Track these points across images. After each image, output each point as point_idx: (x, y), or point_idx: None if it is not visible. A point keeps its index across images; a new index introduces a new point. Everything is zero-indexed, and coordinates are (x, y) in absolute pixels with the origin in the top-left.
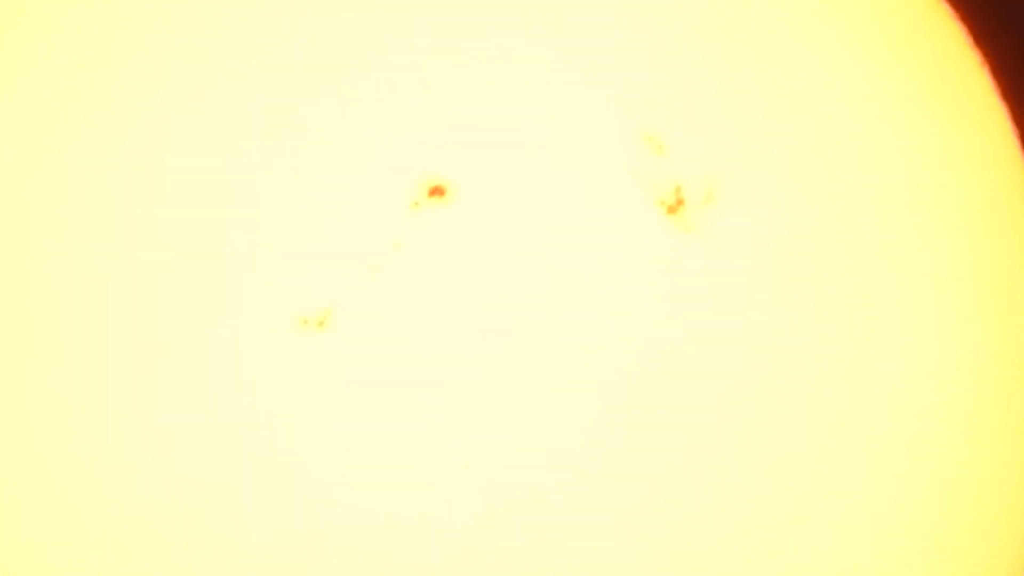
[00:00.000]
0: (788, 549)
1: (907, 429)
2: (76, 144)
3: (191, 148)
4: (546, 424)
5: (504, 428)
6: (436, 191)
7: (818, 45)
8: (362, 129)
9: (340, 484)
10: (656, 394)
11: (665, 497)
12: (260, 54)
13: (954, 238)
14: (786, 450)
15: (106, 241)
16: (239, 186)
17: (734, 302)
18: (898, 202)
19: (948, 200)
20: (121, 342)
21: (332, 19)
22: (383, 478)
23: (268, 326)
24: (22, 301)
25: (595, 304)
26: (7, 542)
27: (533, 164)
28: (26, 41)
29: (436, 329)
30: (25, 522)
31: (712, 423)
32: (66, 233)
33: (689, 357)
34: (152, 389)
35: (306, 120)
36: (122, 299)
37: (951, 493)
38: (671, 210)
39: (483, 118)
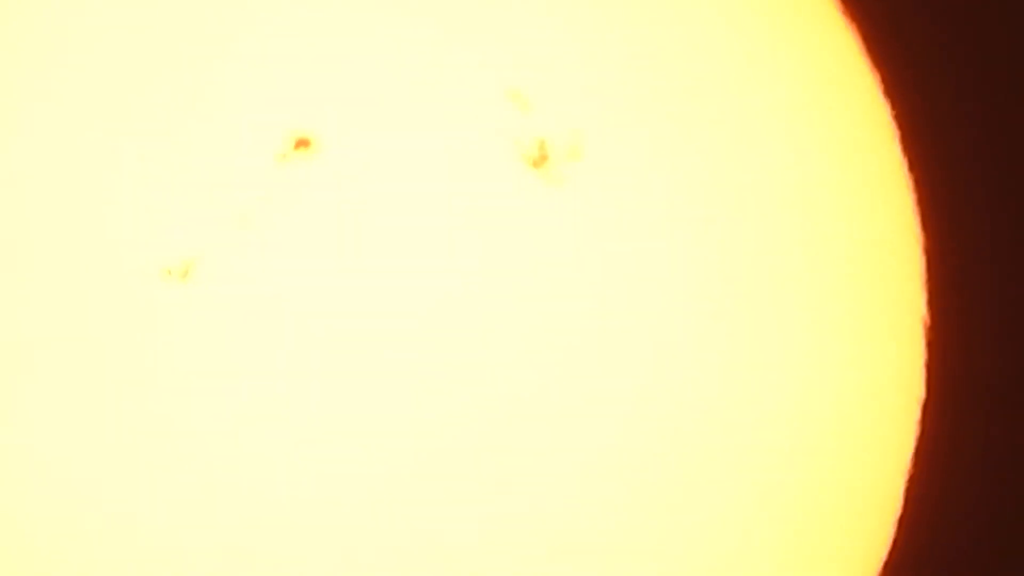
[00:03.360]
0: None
1: (766, 394)
2: None
3: (55, 98)
4: (409, 379)
5: (367, 383)
6: (302, 143)
7: (691, 5)
8: (228, 81)
9: (202, 438)
10: (521, 348)
11: (525, 465)
12: (126, 7)
13: (823, 205)
14: (644, 419)
15: None
16: (103, 137)
17: (598, 253)
18: (766, 169)
19: (819, 169)
20: None
21: None
22: (245, 432)
23: (131, 276)
24: None
25: (459, 256)
26: None
27: (399, 117)
28: None
29: (301, 281)
30: None
31: (566, 380)
32: None
33: (554, 308)
34: (10, 343)
35: (172, 72)
36: None
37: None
38: (536, 164)
39: (350, 71)
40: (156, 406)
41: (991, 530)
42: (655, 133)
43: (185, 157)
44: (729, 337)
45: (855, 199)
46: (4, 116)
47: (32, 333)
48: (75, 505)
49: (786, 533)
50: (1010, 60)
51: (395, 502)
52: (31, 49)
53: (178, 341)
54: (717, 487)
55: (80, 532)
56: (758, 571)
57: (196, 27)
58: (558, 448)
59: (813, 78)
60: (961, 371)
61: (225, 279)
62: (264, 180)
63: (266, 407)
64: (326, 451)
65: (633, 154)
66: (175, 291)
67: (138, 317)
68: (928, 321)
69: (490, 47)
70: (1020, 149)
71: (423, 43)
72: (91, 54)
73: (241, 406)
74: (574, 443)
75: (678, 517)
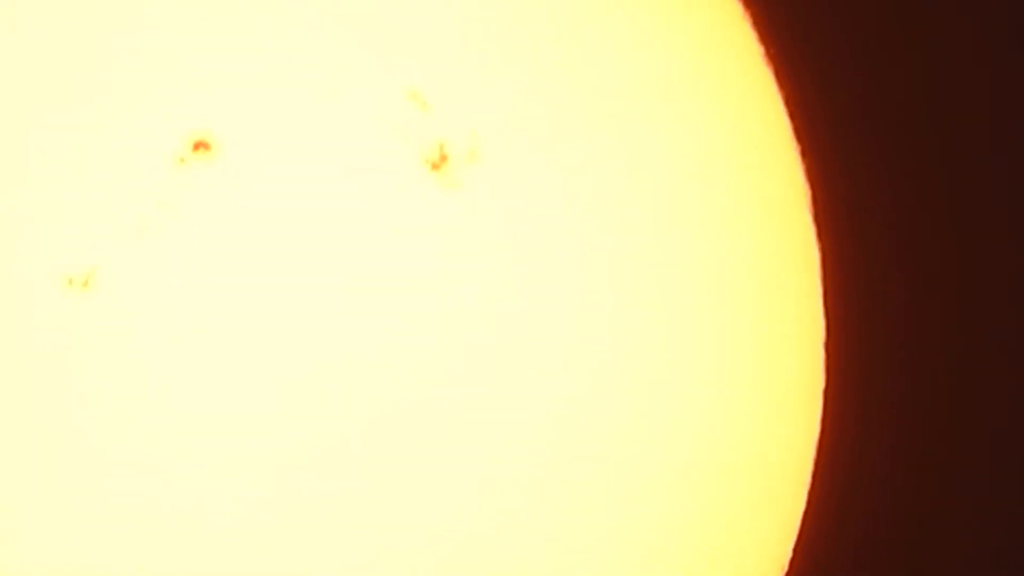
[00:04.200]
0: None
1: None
2: None
3: None
4: (310, 383)
5: (267, 387)
6: (201, 146)
7: (592, 8)
8: (124, 83)
9: (110, 448)
10: (420, 352)
11: (420, 468)
12: (20, 11)
13: (721, 205)
14: (541, 421)
15: None
16: None
17: (497, 256)
18: (664, 170)
19: (717, 170)
20: None
21: None
22: (150, 441)
23: (32, 285)
24: None
25: (360, 259)
26: None
27: (298, 119)
28: None
29: (203, 285)
30: None
31: (466, 382)
32: None
33: (453, 312)
34: None
35: (65, 75)
36: None
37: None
38: (435, 167)
39: (247, 72)
40: (59, 414)
41: (896, 522)
42: (555, 135)
43: (83, 162)
44: (627, 341)
45: (753, 201)
46: None
47: None
48: None
49: (694, 529)
50: (912, 65)
51: (290, 504)
52: None
53: (81, 349)
54: (624, 485)
55: None
56: (668, 566)
57: (90, 29)
58: (461, 453)
59: (711, 78)
60: (860, 371)
61: (127, 285)
62: (164, 184)
63: (167, 413)
64: (224, 457)
65: (533, 156)
66: (77, 299)
67: (41, 326)
68: (826, 321)
69: (390, 47)
70: (917, 151)
71: (323, 43)
72: None
73: (143, 413)
74: (478, 447)
75: (581, 517)
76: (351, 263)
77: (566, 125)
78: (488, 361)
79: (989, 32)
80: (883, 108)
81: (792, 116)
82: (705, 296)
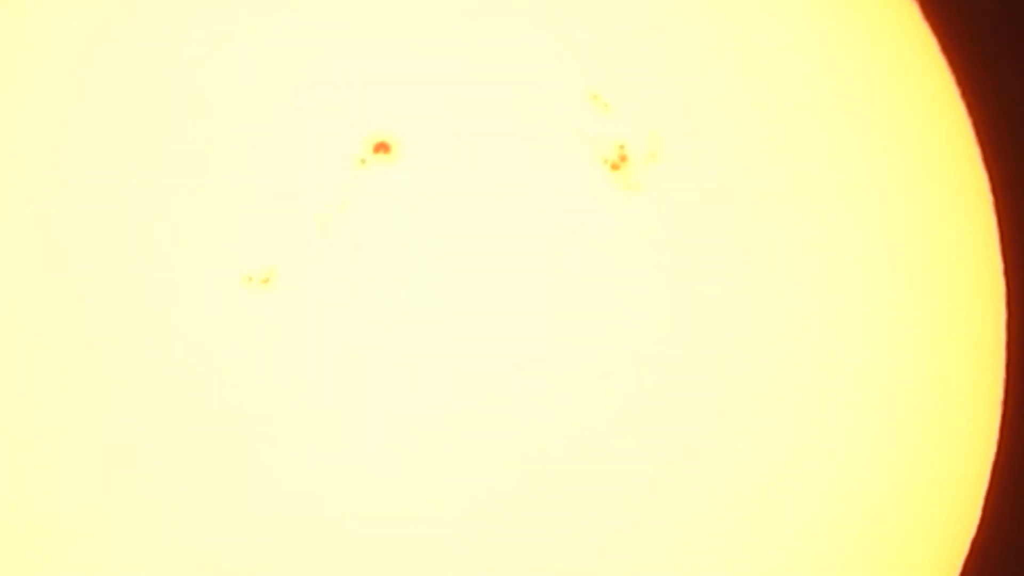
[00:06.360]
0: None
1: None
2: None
3: (132, 103)
4: (482, 381)
5: (444, 388)
6: (381, 147)
7: (768, 7)
8: (306, 85)
9: (285, 447)
10: (598, 353)
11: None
12: (204, 20)
13: (900, 204)
14: (718, 419)
15: (43, 202)
16: (182, 143)
17: (676, 257)
18: (842, 164)
19: (896, 165)
20: (60, 308)
21: None
22: (326, 440)
23: (212, 283)
24: None
25: (538, 260)
26: None
27: (477, 120)
28: None
29: (381, 287)
30: None
31: (643, 385)
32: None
33: (632, 313)
34: (93, 354)
35: (251, 75)
36: (60, 262)
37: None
38: (614, 167)
39: (428, 74)
40: (236, 413)
41: None
42: (735, 136)
43: (266, 164)
44: (801, 346)
45: (931, 199)
46: (93, 128)
47: (116, 339)
48: (142, 508)
49: (874, 529)
50: None
51: (467, 510)
52: (119, 58)
53: (260, 347)
54: (792, 498)
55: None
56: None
57: (274, 33)
58: (634, 462)
59: (891, 79)
60: None
61: (306, 285)
62: (344, 185)
63: (346, 413)
64: (399, 458)
65: (713, 157)
66: (256, 297)
67: (220, 324)
68: (1007, 322)
69: (570, 49)
70: None
71: (503, 46)
72: (172, 63)
73: (321, 412)
74: (654, 455)
75: (753, 531)
76: (528, 263)
77: (746, 126)
78: (663, 364)
79: None
80: None
81: (976, 126)
82: (883, 305)
